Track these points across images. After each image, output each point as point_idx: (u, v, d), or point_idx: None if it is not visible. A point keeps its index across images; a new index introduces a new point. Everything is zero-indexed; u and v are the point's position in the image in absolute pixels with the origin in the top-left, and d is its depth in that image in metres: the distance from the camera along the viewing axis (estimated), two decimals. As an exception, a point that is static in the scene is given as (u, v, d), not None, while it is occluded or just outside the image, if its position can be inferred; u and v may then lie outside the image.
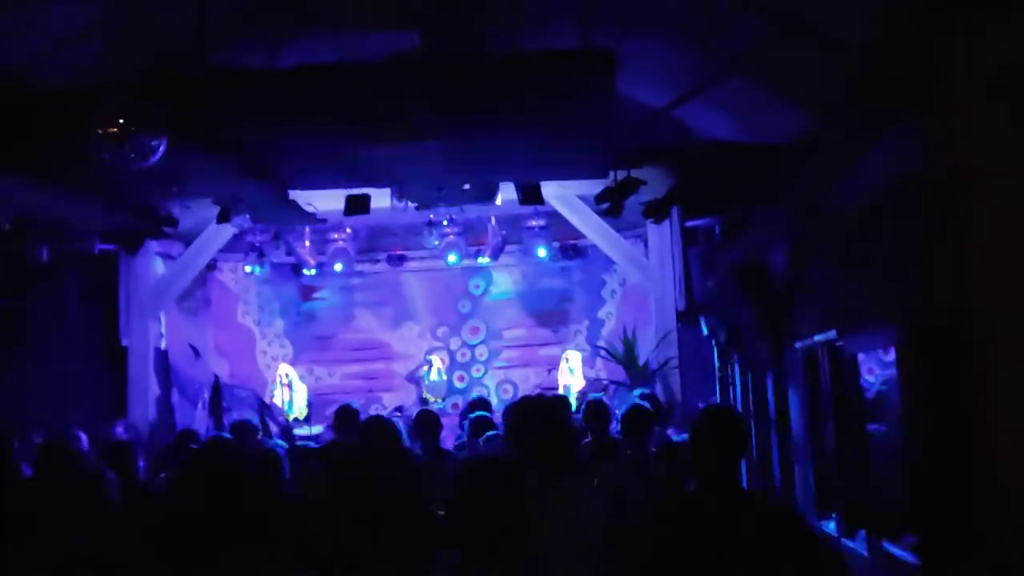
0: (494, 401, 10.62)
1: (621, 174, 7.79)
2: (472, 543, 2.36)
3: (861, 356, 3.65)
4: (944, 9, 2.52)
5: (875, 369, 4.45)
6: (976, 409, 2.55)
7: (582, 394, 9.96)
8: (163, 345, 9.29)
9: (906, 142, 3.04)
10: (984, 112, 2.37)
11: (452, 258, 9.85)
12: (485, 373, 11.25)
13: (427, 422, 5.58)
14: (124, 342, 8.64)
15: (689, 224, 8.58)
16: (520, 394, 9.92)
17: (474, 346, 11.31)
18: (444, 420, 6.00)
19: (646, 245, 9.36)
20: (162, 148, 4.91)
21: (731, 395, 6.89)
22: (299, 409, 10.01)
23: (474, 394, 9.74)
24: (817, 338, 4.05)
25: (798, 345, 4.49)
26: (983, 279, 2.44)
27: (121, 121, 4.67)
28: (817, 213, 4.20)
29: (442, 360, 10.80)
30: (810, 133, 5.09)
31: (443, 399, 10.35)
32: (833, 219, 3.96)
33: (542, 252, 10.04)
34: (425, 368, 10.54)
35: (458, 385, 11.07)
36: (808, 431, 4.49)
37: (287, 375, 10.20)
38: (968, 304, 2.57)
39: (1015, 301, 2.34)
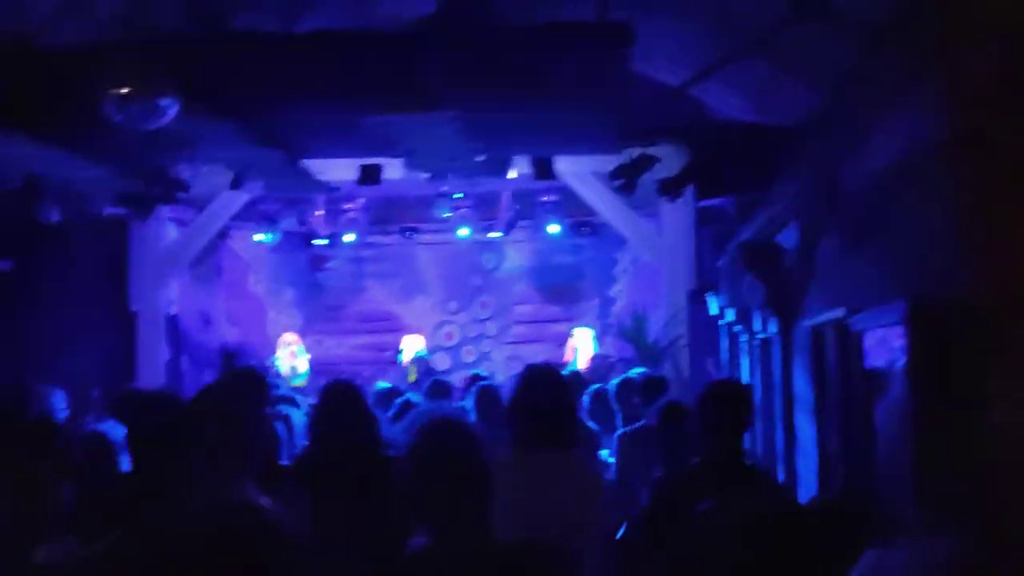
0: (500, 377, 10.65)
1: (636, 152, 7.73)
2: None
3: (872, 337, 3.62)
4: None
5: (885, 353, 4.42)
6: (984, 389, 2.51)
7: (590, 371, 9.96)
8: (174, 311, 9.34)
9: (921, 112, 2.98)
10: (1003, 72, 2.30)
11: (464, 231, 9.83)
12: (494, 348, 11.26)
13: None
14: (134, 307, 8.68)
15: (703, 203, 8.52)
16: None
17: (484, 321, 11.32)
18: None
19: (659, 223, 9.30)
20: (173, 110, 4.91)
21: (738, 375, 6.88)
22: (302, 378, 10.03)
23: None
24: (825, 316, 4.02)
25: (806, 324, 4.46)
26: (1002, 251, 2.38)
27: (132, 81, 4.67)
28: (830, 190, 4.15)
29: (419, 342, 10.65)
30: (823, 111, 5.02)
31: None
32: (846, 196, 3.91)
33: (554, 228, 10.02)
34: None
35: (467, 359, 11.09)
36: (813, 410, 4.48)
37: (292, 343, 10.24)
38: (985, 278, 2.52)
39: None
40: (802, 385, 4.76)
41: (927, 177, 2.96)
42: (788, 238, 5.25)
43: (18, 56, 5.39)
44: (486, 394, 5.27)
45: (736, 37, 5.51)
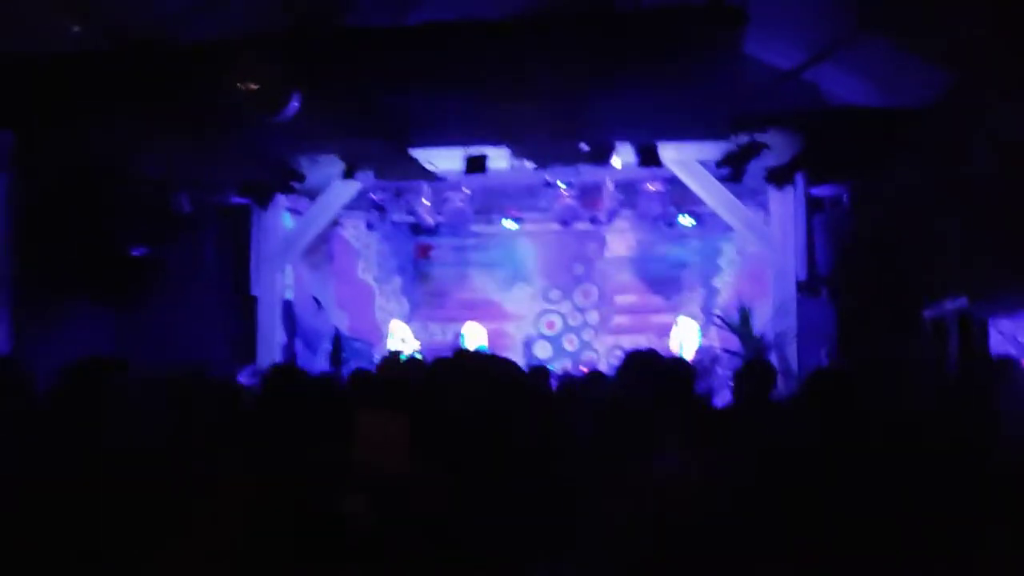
0: (603, 366, 10.65)
1: (744, 138, 7.60)
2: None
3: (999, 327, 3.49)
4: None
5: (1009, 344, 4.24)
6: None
7: (694, 363, 9.84)
8: (289, 296, 9.75)
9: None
10: None
11: (566, 222, 9.88)
12: (596, 338, 11.28)
13: None
14: (254, 292, 9.11)
15: (814, 191, 8.30)
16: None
17: (586, 310, 11.34)
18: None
19: (767, 213, 9.10)
20: (295, 103, 5.17)
21: (852, 367, 6.69)
22: None
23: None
24: (947, 304, 3.89)
25: (926, 314, 4.32)
26: None
27: (258, 76, 4.94)
28: (953, 176, 4.01)
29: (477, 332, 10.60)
30: (949, 94, 4.84)
31: None
32: (972, 179, 3.77)
33: (658, 217, 9.98)
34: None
35: (568, 348, 11.14)
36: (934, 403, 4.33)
37: (400, 331, 10.52)
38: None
39: None
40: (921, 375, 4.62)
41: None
42: (907, 225, 5.09)
43: (152, 53, 5.77)
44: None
45: (856, 16, 5.36)
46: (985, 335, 3.45)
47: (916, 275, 4.71)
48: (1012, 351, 4.16)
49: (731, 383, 6.04)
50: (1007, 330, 4.04)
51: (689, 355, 9.88)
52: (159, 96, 5.91)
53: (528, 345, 10.67)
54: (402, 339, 10.50)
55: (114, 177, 7.05)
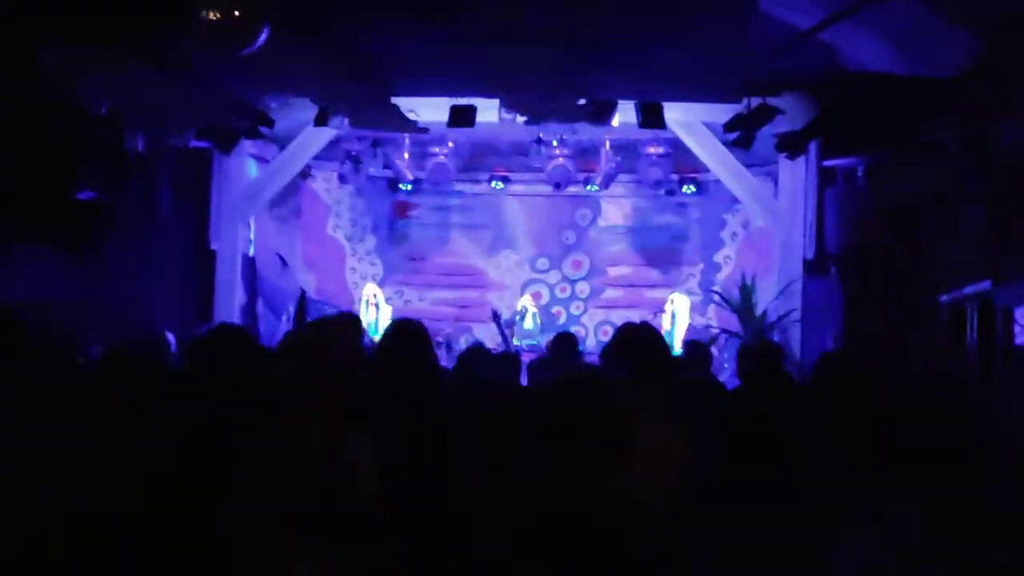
0: (591, 342, 10.65)
1: (755, 101, 7.55)
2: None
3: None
4: None
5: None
6: None
7: (687, 342, 9.84)
8: (251, 252, 9.63)
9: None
10: None
11: (559, 183, 9.78)
12: (584, 311, 11.25)
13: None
14: (213, 245, 9.00)
15: (828, 163, 8.27)
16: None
17: (575, 281, 11.30)
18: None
19: (776, 184, 9.07)
20: (263, 36, 5.04)
21: (859, 353, 6.71)
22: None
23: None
24: (967, 290, 3.87)
25: (943, 298, 4.31)
26: None
27: (224, 4, 4.80)
28: (980, 152, 3.98)
29: (535, 303, 10.46)
30: (979, 63, 4.78)
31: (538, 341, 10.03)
32: (1001, 156, 3.74)
33: (657, 183, 9.92)
34: (519, 316, 10.25)
35: (556, 321, 11.10)
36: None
37: (375, 295, 10.42)
38: None
39: None
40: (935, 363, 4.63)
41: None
42: (927, 202, 5.07)
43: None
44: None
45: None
46: (1009, 323, 3.42)
47: (935, 256, 4.69)
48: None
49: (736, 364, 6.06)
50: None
51: (681, 333, 9.89)
52: (116, 26, 5.76)
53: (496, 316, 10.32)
54: (376, 305, 10.40)
55: (65, 113, 6.89)
